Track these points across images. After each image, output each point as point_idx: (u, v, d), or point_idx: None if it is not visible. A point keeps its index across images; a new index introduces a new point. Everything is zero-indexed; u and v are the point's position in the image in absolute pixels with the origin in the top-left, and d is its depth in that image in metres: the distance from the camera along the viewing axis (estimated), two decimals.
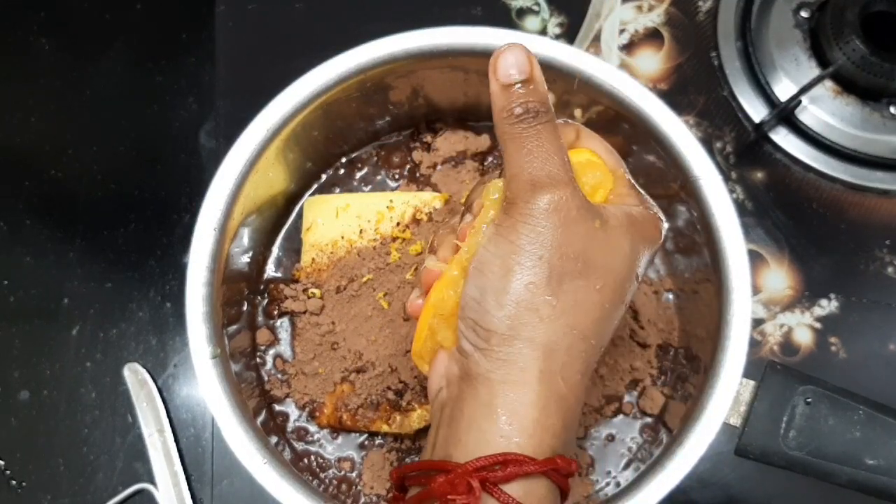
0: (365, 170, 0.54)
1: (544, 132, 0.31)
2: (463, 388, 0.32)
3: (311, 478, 0.48)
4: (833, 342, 0.55)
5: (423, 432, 0.48)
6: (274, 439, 0.47)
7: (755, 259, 0.56)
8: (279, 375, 0.50)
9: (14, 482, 0.53)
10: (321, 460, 0.49)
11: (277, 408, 0.50)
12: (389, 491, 0.48)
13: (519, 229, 0.30)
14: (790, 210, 0.58)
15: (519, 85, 0.31)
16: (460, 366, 0.32)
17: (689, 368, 0.48)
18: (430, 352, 0.35)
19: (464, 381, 0.32)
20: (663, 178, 0.46)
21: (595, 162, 0.36)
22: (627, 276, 0.32)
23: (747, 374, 0.41)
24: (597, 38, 0.62)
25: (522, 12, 0.63)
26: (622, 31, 0.62)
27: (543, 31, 0.62)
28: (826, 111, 0.59)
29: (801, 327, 0.55)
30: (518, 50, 0.31)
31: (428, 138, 0.55)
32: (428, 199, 0.50)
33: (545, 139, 0.31)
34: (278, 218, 0.53)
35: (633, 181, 0.37)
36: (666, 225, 0.36)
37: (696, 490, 0.52)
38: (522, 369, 0.30)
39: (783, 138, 0.59)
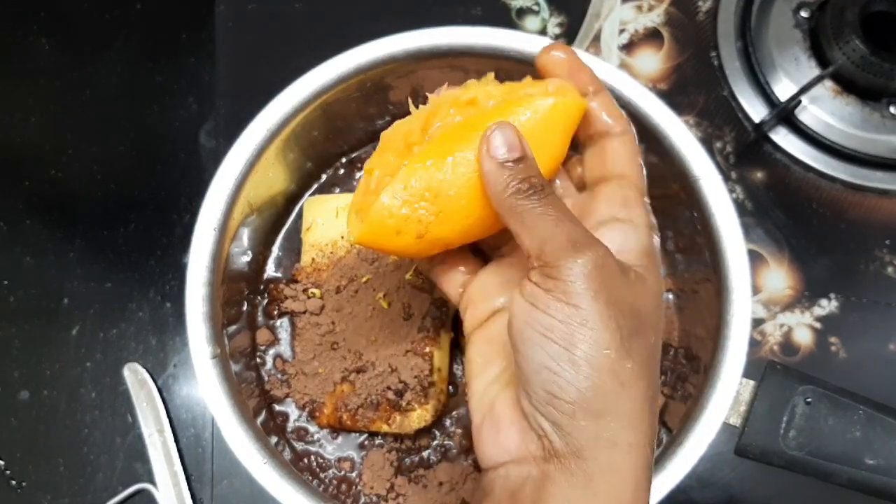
0: None
1: (556, 202, 0.30)
2: (548, 470, 0.29)
3: (310, 478, 0.48)
4: (833, 342, 0.55)
5: (422, 432, 0.48)
6: (274, 439, 0.47)
7: (755, 259, 0.56)
8: (279, 375, 0.50)
9: (14, 482, 0.53)
10: (321, 460, 0.49)
11: (277, 408, 0.50)
12: (389, 492, 0.48)
13: (576, 290, 0.28)
14: (790, 210, 0.58)
15: (513, 163, 0.30)
16: (540, 444, 0.29)
17: (689, 368, 0.48)
18: (363, 196, 0.34)
19: (548, 462, 0.29)
20: (663, 179, 0.46)
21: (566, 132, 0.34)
22: (661, 317, 0.31)
23: (747, 373, 0.41)
24: (597, 38, 0.62)
25: (522, 12, 0.63)
26: (622, 30, 0.62)
27: (543, 31, 0.62)
28: (826, 111, 0.59)
29: (801, 327, 0.55)
30: (509, 128, 0.31)
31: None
32: None
33: (562, 208, 0.30)
34: (278, 218, 0.53)
35: (646, 204, 0.35)
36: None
37: (696, 490, 0.52)
38: (613, 445, 0.28)
39: (783, 138, 0.59)
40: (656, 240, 0.34)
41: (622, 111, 0.35)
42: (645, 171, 0.35)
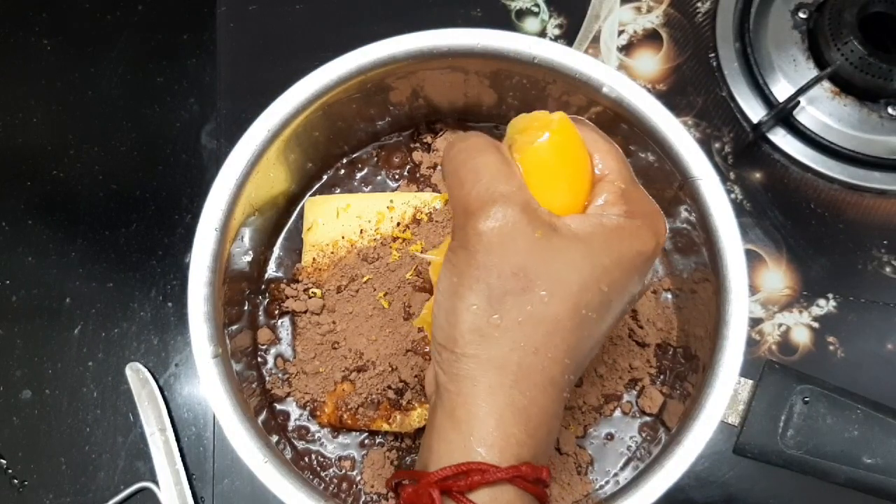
0: (365, 170, 0.55)
1: (472, 151, 0.32)
2: (435, 398, 0.33)
3: (311, 476, 0.48)
4: (831, 342, 0.55)
5: (422, 431, 0.49)
6: (275, 438, 0.47)
7: (753, 259, 0.57)
8: (280, 375, 0.50)
9: (16, 481, 0.54)
10: (322, 459, 0.49)
11: (278, 407, 0.50)
12: (389, 491, 0.48)
13: (458, 254, 0.32)
14: (788, 210, 0.58)
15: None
16: (435, 375, 0.34)
17: (688, 367, 0.49)
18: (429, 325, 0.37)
19: (436, 392, 0.33)
20: (662, 179, 0.46)
21: (576, 163, 0.35)
22: (585, 287, 0.32)
23: (746, 373, 0.41)
24: (596, 40, 0.62)
25: (522, 13, 0.63)
26: (621, 32, 0.63)
27: (543, 33, 0.62)
28: (824, 112, 0.59)
29: (800, 327, 0.55)
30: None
31: (428, 139, 0.55)
32: (428, 200, 0.51)
33: (474, 158, 0.32)
34: (279, 218, 0.53)
35: (628, 187, 0.35)
36: (662, 238, 0.34)
37: (694, 489, 0.52)
38: (473, 384, 0.31)
39: (781, 139, 0.59)
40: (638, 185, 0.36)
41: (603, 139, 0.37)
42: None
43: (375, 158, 0.55)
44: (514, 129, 0.35)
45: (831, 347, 0.55)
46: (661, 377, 0.51)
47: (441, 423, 0.32)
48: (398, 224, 0.50)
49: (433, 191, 0.53)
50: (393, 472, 0.49)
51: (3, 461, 0.54)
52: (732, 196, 0.58)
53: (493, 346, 0.31)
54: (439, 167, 0.54)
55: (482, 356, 0.31)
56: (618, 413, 0.50)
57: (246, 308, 0.50)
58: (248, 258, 0.50)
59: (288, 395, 0.50)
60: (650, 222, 0.34)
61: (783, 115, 0.59)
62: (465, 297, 0.31)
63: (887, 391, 0.53)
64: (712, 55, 0.62)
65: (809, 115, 0.59)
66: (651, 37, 0.63)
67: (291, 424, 0.50)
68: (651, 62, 0.62)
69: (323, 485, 0.49)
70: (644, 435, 0.50)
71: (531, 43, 0.46)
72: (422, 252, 0.49)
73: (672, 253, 0.52)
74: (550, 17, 0.63)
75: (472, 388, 0.31)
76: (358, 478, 0.49)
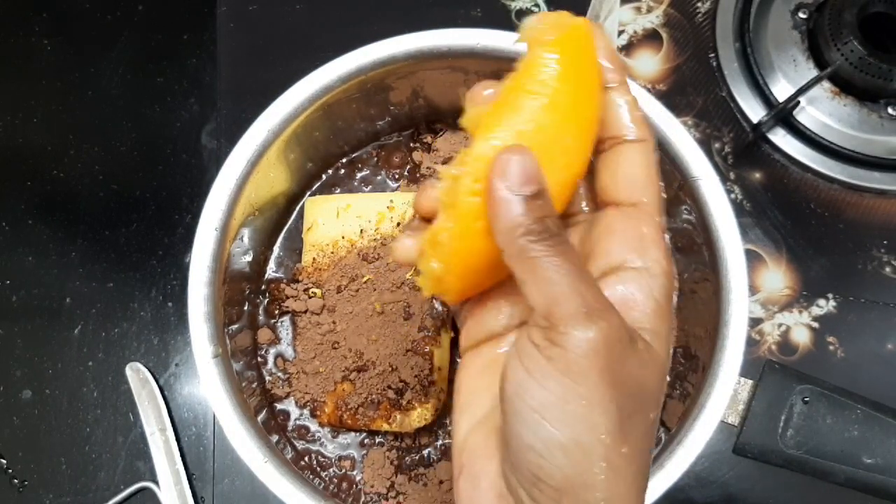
0: (365, 170, 0.55)
1: (571, 253, 0.26)
2: None
3: (311, 476, 0.48)
4: (831, 342, 0.55)
5: (423, 431, 0.49)
6: (275, 438, 0.47)
7: (753, 259, 0.57)
8: (280, 374, 0.50)
9: (16, 481, 0.54)
10: (322, 459, 0.49)
11: (278, 406, 0.50)
12: (389, 490, 0.48)
13: (581, 366, 0.25)
14: (788, 210, 0.58)
15: (531, 198, 0.25)
16: None
17: (688, 367, 0.49)
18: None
19: None
20: (662, 179, 0.46)
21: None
22: (664, 391, 0.28)
23: (745, 373, 0.41)
24: None
25: (522, 13, 0.63)
26: (621, 32, 0.63)
27: None
28: (824, 112, 0.59)
29: (799, 327, 0.56)
30: (530, 156, 0.26)
31: (428, 139, 0.55)
32: None
33: (576, 261, 0.26)
34: (279, 218, 0.53)
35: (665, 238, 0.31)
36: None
37: (694, 488, 0.52)
38: None
39: (781, 139, 0.59)
40: (674, 295, 0.31)
41: (644, 113, 0.31)
42: (663, 192, 0.31)
43: (375, 158, 0.55)
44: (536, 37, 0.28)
45: (831, 347, 0.55)
46: None
47: None
48: (398, 224, 0.50)
49: None
50: (393, 471, 0.49)
51: (4, 461, 0.54)
52: (732, 196, 0.58)
53: (622, 486, 0.25)
54: (440, 167, 0.54)
55: (610, 494, 0.25)
56: None
57: (246, 308, 0.50)
58: (248, 258, 0.50)
59: (288, 394, 0.50)
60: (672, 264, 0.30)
61: (783, 115, 0.59)
62: (593, 424, 0.25)
63: (887, 391, 0.53)
64: (712, 55, 0.62)
65: (809, 115, 0.59)
66: (651, 37, 0.63)
67: (291, 424, 0.50)
68: (651, 62, 0.62)
69: (323, 484, 0.49)
70: None
71: None
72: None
73: (672, 253, 0.52)
74: None
75: None
76: (358, 478, 0.49)
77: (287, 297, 0.50)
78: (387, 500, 0.48)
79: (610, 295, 0.27)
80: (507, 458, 0.27)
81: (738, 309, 0.42)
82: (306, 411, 0.50)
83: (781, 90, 0.60)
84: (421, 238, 0.29)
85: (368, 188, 0.54)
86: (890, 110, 0.59)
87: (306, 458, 0.49)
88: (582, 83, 0.28)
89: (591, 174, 0.31)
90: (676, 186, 0.45)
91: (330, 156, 0.54)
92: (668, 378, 0.30)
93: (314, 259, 0.50)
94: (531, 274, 0.26)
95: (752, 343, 0.55)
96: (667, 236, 0.31)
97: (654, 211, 0.30)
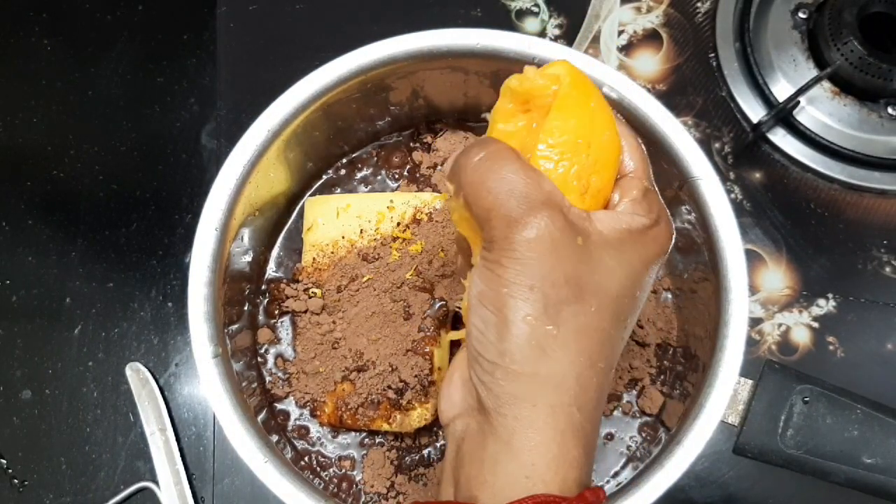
0: (365, 170, 0.55)
1: (497, 159, 0.30)
2: (481, 422, 0.31)
3: (311, 476, 0.48)
4: (831, 341, 0.55)
5: (423, 431, 0.49)
6: (275, 438, 0.47)
7: (753, 259, 0.57)
8: (280, 374, 0.50)
9: (16, 481, 0.54)
10: (322, 459, 0.49)
11: (278, 406, 0.50)
12: (389, 490, 0.48)
13: (504, 263, 0.29)
14: (788, 210, 0.58)
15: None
16: (475, 397, 0.31)
17: (688, 367, 0.49)
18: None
19: (481, 415, 0.31)
20: (662, 179, 0.46)
21: (610, 154, 0.33)
22: (623, 294, 0.31)
23: (745, 373, 0.41)
24: (596, 40, 0.62)
25: (522, 13, 0.63)
26: (621, 32, 0.63)
27: (543, 33, 0.62)
28: (824, 112, 0.59)
29: (799, 327, 0.56)
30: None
31: (428, 139, 0.55)
32: (428, 200, 0.51)
33: (501, 166, 0.30)
34: (279, 218, 0.53)
35: (650, 187, 0.34)
36: (673, 236, 0.34)
37: (694, 488, 0.52)
38: (533, 405, 0.29)
39: (781, 139, 0.59)
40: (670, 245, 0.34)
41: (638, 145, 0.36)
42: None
43: (375, 158, 0.55)
44: (515, 95, 0.33)
45: (831, 347, 0.55)
46: (661, 377, 0.51)
47: (496, 454, 0.30)
48: (398, 224, 0.50)
49: (433, 191, 0.53)
50: (393, 471, 0.49)
51: (4, 461, 0.54)
52: (732, 196, 0.58)
53: (553, 361, 0.29)
54: (440, 167, 0.54)
55: (541, 373, 0.29)
56: (618, 413, 0.50)
57: (246, 308, 0.50)
58: (248, 258, 0.50)
59: (288, 394, 0.50)
60: (667, 226, 0.33)
61: (783, 115, 0.59)
62: (518, 308, 0.29)
63: (887, 391, 0.54)
64: (712, 55, 0.62)
65: (809, 115, 0.59)
66: (651, 37, 0.63)
67: (291, 424, 0.50)
68: (651, 62, 0.62)
69: (323, 484, 0.49)
70: (644, 435, 0.50)
71: (531, 43, 0.46)
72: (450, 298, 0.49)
73: (672, 253, 0.52)
74: (550, 17, 0.63)
75: (531, 411, 0.29)
76: (358, 478, 0.49)
77: (287, 297, 0.50)
78: (387, 500, 0.48)
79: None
80: (467, 347, 0.32)
81: (739, 309, 0.42)
82: (306, 411, 0.50)
83: (781, 90, 0.60)
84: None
85: (368, 188, 0.54)
86: (890, 110, 0.59)
87: (306, 458, 0.49)
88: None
89: None
90: (676, 186, 0.45)
91: (330, 156, 0.54)
92: (636, 293, 0.32)
93: (314, 259, 0.50)
94: (468, 198, 0.31)
95: (752, 343, 0.55)
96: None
97: (643, 175, 0.34)
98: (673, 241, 0.33)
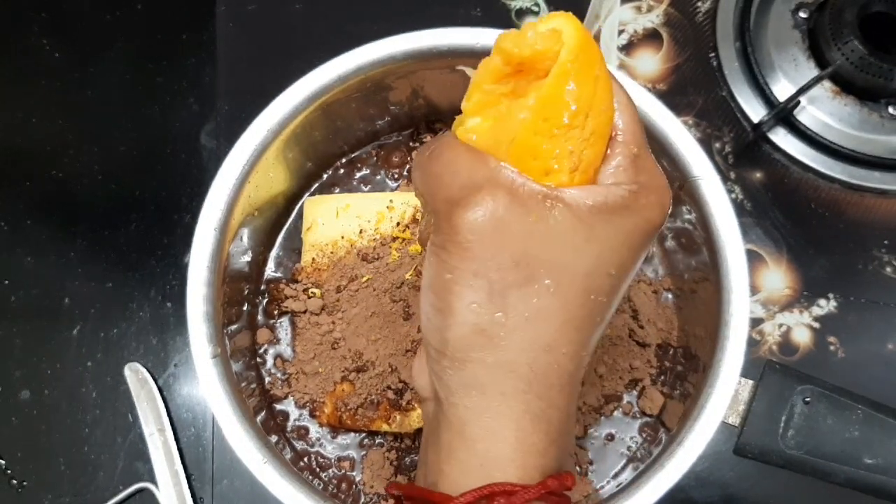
0: (365, 170, 0.55)
1: (441, 148, 0.29)
2: (436, 411, 0.30)
3: (311, 477, 0.48)
4: (831, 342, 0.55)
5: (422, 431, 0.48)
6: (274, 438, 0.47)
7: (754, 259, 0.57)
8: (279, 375, 0.50)
9: (15, 481, 0.54)
10: (321, 459, 0.49)
11: (277, 407, 0.50)
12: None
13: (448, 247, 0.28)
14: (789, 210, 0.58)
15: None
16: (432, 386, 0.31)
17: (688, 367, 0.49)
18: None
19: (436, 402, 0.30)
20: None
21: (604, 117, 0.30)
22: (593, 272, 0.28)
23: (746, 373, 0.41)
24: (596, 39, 0.62)
25: (522, 13, 0.63)
26: (621, 31, 0.63)
27: None
28: (824, 111, 0.59)
29: (800, 327, 0.55)
30: None
31: (428, 138, 0.55)
32: None
33: (444, 153, 0.29)
34: (278, 218, 0.53)
35: (640, 152, 0.31)
36: (668, 211, 0.31)
37: (694, 489, 0.52)
38: (482, 393, 0.28)
39: (782, 138, 0.59)
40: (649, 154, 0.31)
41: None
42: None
43: (375, 158, 0.55)
44: (509, 56, 0.29)
45: (832, 347, 0.55)
46: (662, 377, 0.50)
47: (450, 443, 0.29)
48: (398, 224, 0.50)
49: None
50: (393, 471, 0.49)
51: (3, 461, 0.54)
52: (733, 196, 0.58)
53: (501, 348, 0.28)
54: None
55: (489, 360, 0.28)
56: (618, 413, 0.50)
57: (245, 308, 0.50)
58: (248, 258, 0.50)
59: (287, 395, 0.50)
60: (659, 196, 0.30)
61: (783, 114, 0.58)
62: (462, 295, 0.28)
63: (888, 391, 0.53)
64: (712, 55, 0.62)
65: (810, 114, 0.59)
66: (651, 36, 0.63)
67: (290, 425, 0.50)
68: (651, 62, 0.62)
69: (322, 485, 0.48)
70: (644, 435, 0.50)
71: None
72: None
73: (672, 253, 0.52)
74: None
75: (481, 399, 0.28)
76: (357, 478, 0.49)
77: (286, 298, 0.50)
78: (386, 500, 0.48)
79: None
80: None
81: (739, 309, 0.42)
82: (305, 412, 0.50)
83: (782, 90, 0.60)
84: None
85: (368, 188, 0.54)
86: (891, 110, 0.59)
87: (305, 459, 0.49)
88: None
89: None
90: (677, 186, 0.45)
91: (329, 155, 0.54)
92: (610, 269, 0.29)
93: (313, 259, 0.50)
94: (413, 183, 0.31)
95: (752, 343, 0.55)
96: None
97: (631, 139, 0.31)
98: (667, 210, 0.30)
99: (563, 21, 0.29)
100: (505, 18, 0.63)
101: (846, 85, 0.59)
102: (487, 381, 0.28)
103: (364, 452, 0.49)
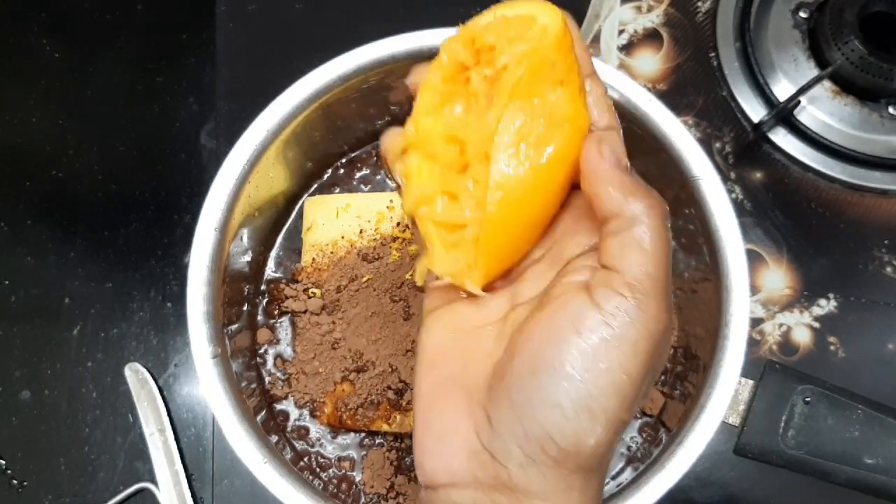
0: (365, 170, 0.55)
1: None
2: (498, 501, 0.25)
3: (311, 477, 0.48)
4: (832, 342, 0.55)
5: None
6: (274, 438, 0.47)
7: (754, 259, 0.56)
8: (279, 375, 0.50)
9: (15, 481, 0.54)
10: (321, 459, 0.49)
11: (278, 407, 0.50)
12: (389, 491, 0.48)
13: (631, 335, 0.24)
14: (789, 210, 0.58)
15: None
16: (491, 471, 0.25)
17: (688, 367, 0.49)
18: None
19: (498, 493, 0.25)
20: (662, 179, 0.46)
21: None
22: None
23: (746, 373, 0.41)
24: (596, 39, 0.62)
25: None
26: (621, 31, 0.63)
27: None
28: (825, 111, 0.59)
29: (800, 327, 0.55)
30: (617, 140, 0.27)
31: None
32: None
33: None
34: (279, 218, 0.53)
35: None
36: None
37: (695, 489, 0.52)
38: (582, 494, 0.25)
39: (782, 138, 0.59)
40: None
41: (611, 102, 0.30)
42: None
43: (375, 158, 0.55)
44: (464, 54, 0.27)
45: (832, 347, 0.55)
46: (662, 377, 0.50)
47: None
48: (398, 224, 0.50)
49: None
50: (393, 472, 0.49)
51: (3, 461, 0.54)
52: (733, 196, 0.58)
53: (611, 453, 0.26)
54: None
55: (603, 466, 0.27)
56: None
57: (245, 308, 0.50)
58: (248, 258, 0.50)
59: (287, 395, 0.50)
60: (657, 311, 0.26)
61: (784, 114, 0.58)
62: (626, 398, 0.25)
63: (888, 391, 0.53)
64: (713, 55, 0.62)
65: (810, 114, 0.59)
66: (651, 36, 0.62)
67: (291, 425, 0.50)
68: (651, 62, 0.62)
69: (322, 485, 0.48)
70: (644, 436, 0.50)
71: None
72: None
73: (672, 252, 0.52)
74: None
75: (566, 497, 0.26)
76: (357, 478, 0.49)
77: (286, 298, 0.50)
78: (386, 500, 0.48)
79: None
80: (503, 404, 0.25)
81: (739, 309, 0.42)
82: (306, 412, 0.50)
83: (782, 90, 0.60)
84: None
85: (368, 188, 0.54)
86: (891, 110, 0.59)
87: (306, 459, 0.49)
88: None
89: None
90: (677, 186, 0.45)
91: (329, 155, 0.54)
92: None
93: (314, 259, 0.50)
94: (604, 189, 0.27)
95: (752, 343, 0.55)
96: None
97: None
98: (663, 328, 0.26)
99: (544, 11, 0.26)
100: None
101: (846, 85, 0.59)
102: (596, 487, 0.27)
103: (364, 452, 0.49)
